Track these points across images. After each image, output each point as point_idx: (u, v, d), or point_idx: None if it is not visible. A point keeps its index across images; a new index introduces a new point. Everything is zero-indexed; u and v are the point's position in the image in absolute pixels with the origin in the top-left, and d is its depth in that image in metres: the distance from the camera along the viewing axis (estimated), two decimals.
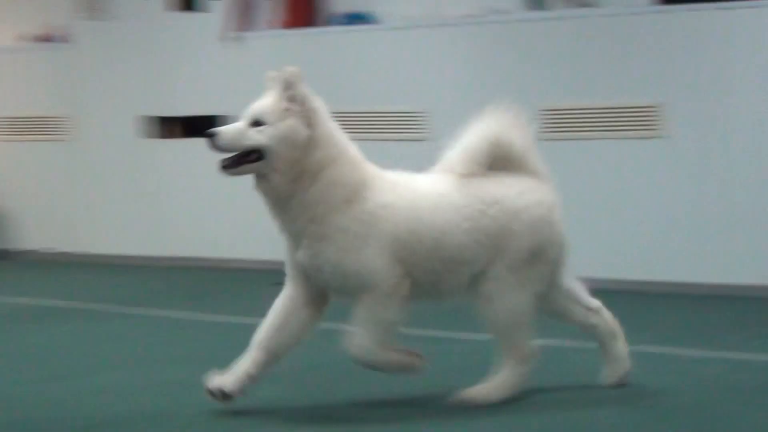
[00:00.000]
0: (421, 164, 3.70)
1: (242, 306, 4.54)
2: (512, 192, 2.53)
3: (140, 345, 3.85)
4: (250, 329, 3.05)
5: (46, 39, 6.38)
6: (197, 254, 5.86)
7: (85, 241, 6.38)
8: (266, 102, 2.49)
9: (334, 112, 2.64)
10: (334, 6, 5.51)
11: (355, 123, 4.70)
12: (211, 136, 2.44)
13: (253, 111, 2.49)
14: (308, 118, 2.45)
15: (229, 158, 2.45)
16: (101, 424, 2.58)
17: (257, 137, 2.43)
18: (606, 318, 2.64)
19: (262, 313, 2.95)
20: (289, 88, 2.44)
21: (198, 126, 5.23)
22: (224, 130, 2.49)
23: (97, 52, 6.12)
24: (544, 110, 4.51)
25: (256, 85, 4.25)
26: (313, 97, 2.48)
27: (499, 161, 2.51)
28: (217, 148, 2.45)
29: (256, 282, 4.98)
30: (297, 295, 2.57)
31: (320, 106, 2.48)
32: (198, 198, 5.59)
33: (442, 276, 2.52)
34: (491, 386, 2.53)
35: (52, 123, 6.41)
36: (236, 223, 5.70)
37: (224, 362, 2.81)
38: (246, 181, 2.68)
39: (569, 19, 4.83)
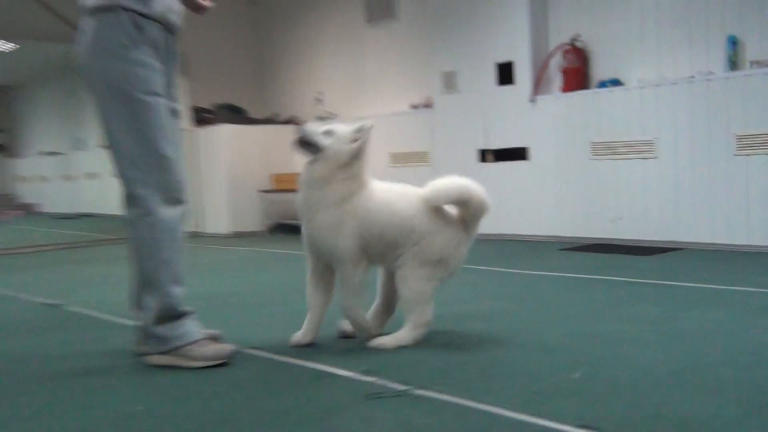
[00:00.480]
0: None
1: (537, 263, 5.61)
2: (443, 218, 3.08)
3: (481, 287, 4.56)
4: (543, 279, 4.55)
5: (426, 105, 7.87)
6: (500, 231, 6.86)
7: None
8: (344, 127, 3.06)
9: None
10: (599, 75, 6.60)
11: (606, 145, 6.32)
12: (300, 125, 3.10)
13: (332, 126, 3.07)
14: (356, 150, 3.01)
15: (301, 139, 3.01)
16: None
17: (321, 139, 3.00)
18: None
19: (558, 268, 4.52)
20: (360, 131, 3.02)
21: (508, 154, 7.07)
22: (309, 126, 3.06)
23: (449, 113, 7.51)
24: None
25: (546, 129, 5.73)
26: (367, 145, 3.04)
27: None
28: (299, 132, 3.01)
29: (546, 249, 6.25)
30: (314, 264, 3.12)
31: (365, 150, 3.03)
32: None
33: (385, 253, 3.03)
34: (394, 337, 3.01)
35: (420, 156, 7.85)
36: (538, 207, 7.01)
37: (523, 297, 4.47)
38: None
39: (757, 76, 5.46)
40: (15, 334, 3.64)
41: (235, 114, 9.25)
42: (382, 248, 3.01)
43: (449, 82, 7.53)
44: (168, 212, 2.82)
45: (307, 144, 3.01)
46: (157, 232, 2.79)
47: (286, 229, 8.72)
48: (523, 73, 6.94)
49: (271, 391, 2.48)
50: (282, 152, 8.79)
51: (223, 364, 2.79)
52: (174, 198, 2.84)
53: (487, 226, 3.32)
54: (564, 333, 3.16)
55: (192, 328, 2.83)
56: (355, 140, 2.99)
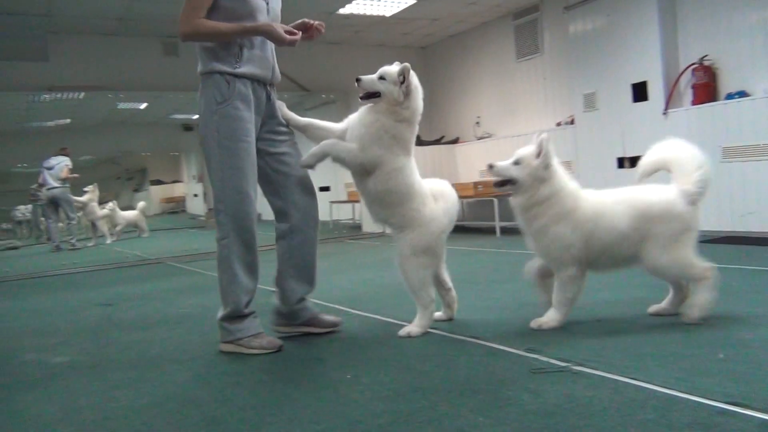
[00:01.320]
0: None
1: None
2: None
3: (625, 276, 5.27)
4: None
5: (569, 122, 7.75)
6: None
7: None
8: (527, 151, 2.88)
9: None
10: (727, 88, 6.20)
11: (736, 150, 5.84)
12: (491, 167, 2.93)
13: (518, 154, 2.90)
14: (545, 170, 2.82)
15: (498, 181, 2.91)
16: None
17: (513, 171, 2.86)
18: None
19: None
20: (540, 146, 2.84)
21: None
22: (499, 164, 2.91)
23: (590, 128, 7.27)
24: None
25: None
26: (554, 159, 2.84)
27: None
28: (494, 173, 2.91)
29: None
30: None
31: (556, 165, 2.85)
32: None
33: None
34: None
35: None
36: None
37: None
38: None
39: None
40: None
41: None
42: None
43: (589, 101, 7.37)
44: (241, 237, 2.83)
45: (504, 182, 2.91)
46: (231, 253, 2.82)
47: (453, 230, 8.74)
48: (656, 91, 6.64)
49: (451, 365, 2.43)
50: (448, 167, 9.03)
51: (276, 352, 2.81)
52: (246, 228, 2.84)
53: None
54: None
55: (251, 325, 2.86)
56: (538, 154, 2.84)
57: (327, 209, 11.17)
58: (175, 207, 24.76)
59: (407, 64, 2.97)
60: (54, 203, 10.61)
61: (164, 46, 8.94)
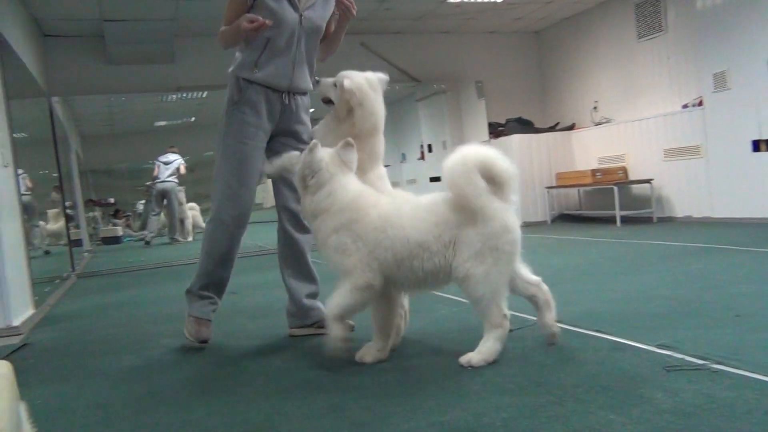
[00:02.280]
0: None
1: None
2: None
3: (755, 270, 4.12)
4: None
5: (697, 104, 7.27)
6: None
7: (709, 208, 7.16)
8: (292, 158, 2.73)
9: None
10: None
11: None
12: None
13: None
14: (311, 179, 2.48)
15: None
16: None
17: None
18: (544, 291, 2.50)
19: None
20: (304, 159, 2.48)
21: None
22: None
23: (720, 110, 6.84)
24: None
25: None
26: (325, 167, 2.44)
27: None
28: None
29: None
30: None
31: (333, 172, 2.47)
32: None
33: None
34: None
35: (692, 150, 7.41)
36: None
37: None
38: None
39: None
40: None
41: (523, 125, 9.26)
42: None
43: (720, 80, 6.90)
44: (218, 229, 3.01)
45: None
46: (206, 236, 3.06)
47: (568, 219, 8.58)
48: None
49: (576, 359, 2.35)
50: (564, 154, 8.81)
51: (201, 343, 3.01)
52: (222, 219, 3.00)
53: (761, 209, 2.88)
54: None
55: (201, 307, 3.06)
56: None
57: None
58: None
59: (342, 78, 2.66)
60: (163, 196, 11.36)
61: None
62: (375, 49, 9.56)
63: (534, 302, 2.53)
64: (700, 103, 7.25)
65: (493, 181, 2.33)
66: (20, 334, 3.84)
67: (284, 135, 3.12)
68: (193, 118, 16.21)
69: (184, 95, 11.40)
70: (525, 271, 2.51)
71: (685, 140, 7.44)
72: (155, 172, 11.68)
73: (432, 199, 2.41)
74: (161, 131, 17.33)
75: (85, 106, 12.36)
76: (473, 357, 2.34)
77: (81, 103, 11.54)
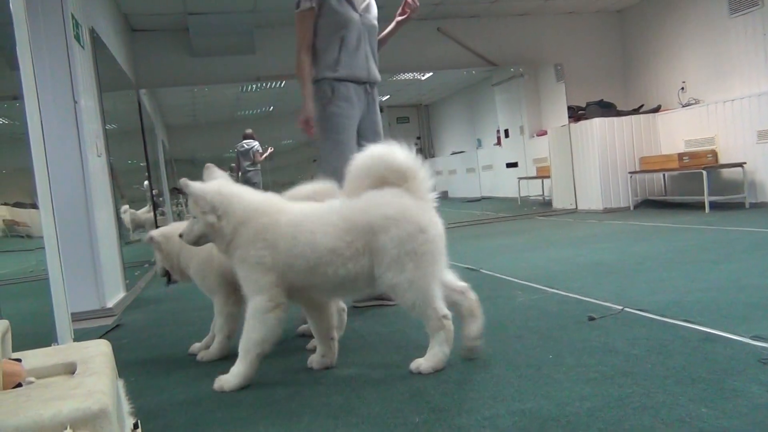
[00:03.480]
0: None
1: None
2: None
3: None
4: None
5: None
6: None
7: None
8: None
9: None
10: None
11: None
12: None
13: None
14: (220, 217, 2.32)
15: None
16: None
17: (195, 230, 2.35)
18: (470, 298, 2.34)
19: None
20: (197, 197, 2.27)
21: None
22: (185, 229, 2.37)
23: None
24: None
25: None
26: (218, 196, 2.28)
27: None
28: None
29: None
30: None
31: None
32: None
33: None
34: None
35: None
36: None
37: None
38: None
39: None
40: None
41: (605, 108, 8.97)
42: None
43: None
44: None
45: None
46: None
47: (652, 205, 8.29)
48: None
49: (664, 350, 2.26)
50: (648, 137, 8.50)
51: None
52: None
53: None
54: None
55: None
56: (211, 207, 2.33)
57: (515, 185, 11.00)
58: None
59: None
60: (246, 185, 11.60)
61: None
62: (451, 33, 9.47)
63: (457, 310, 2.34)
64: None
65: (402, 178, 2.22)
66: (114, 315, 4.06)
67: (363, 126, 3.56)
68: (272, 108, 16.57)
69: (264, 85, 11.65)
70: (450, 276, 2.35)
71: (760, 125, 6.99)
72: (236, 165, 11.96)
73: (344, 204, 2.28)
74: (241, 120, 17.81)
75: (170, 98, 12.85)
76: (422, 364, 2.23)
77: (166, 95, 12.00)
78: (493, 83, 11.86)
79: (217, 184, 2.34)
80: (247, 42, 8.65)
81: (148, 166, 8.23)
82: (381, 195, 2.22)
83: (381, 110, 12.71)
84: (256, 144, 11.64)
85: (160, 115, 13.85)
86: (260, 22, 8.62)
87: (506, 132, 11.88)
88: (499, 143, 12.53)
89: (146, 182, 7.86)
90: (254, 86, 11.96)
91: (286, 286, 2.27)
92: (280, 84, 11.87)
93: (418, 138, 19.43)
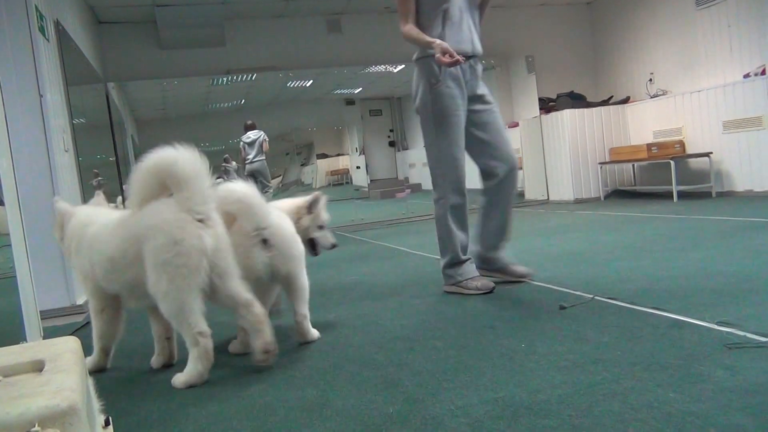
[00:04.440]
0: None
1: None
2: None
3: None
4: None
5: (760, 74, 6.93)
6: None
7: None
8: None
9: None
10: None
11: None
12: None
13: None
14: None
15: None
16: None
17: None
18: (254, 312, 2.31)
19: None
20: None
21: None
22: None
23: None
24: None
25: None
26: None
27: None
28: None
29: None
30: None
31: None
32: None
33: None
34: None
35: (753, 121, 6.96)
36: None
37: None
38: None
39: None
40: (416, 283, 3.86)
41: (575, 100, 9.06)
42: None
43: None
44: (453, 199, 3.31)
45: None
46: (446, 211, 3.33)
47: (622, 195, 8.42)
48: None
49: (633, 337, 2.30)
50: (618, 128, 8.63)
51: (489, 293, 3.22)
52: (459, 189, 3.31)
53: None
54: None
55: (468, 269, 3.33)
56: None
57: None
58: (340, 179, 25.78)
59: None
60: (253, 176, 11.53)
61: (328, 23, 9.25)
62: None
63: (243, 324, 2.38)
64: (763, 72, 6.96)
65: (177, 187, 2.21)
66: (84, 312, 4.00)
67: (471, 102, 3.36)
68: (243, 101, 16.41)
69: (234, 78, 11.53)
70: (238, 288, 2.32)
71: (746, 111, 7.09)
72: (242, 155, 11.85)
73: (129, 214, 2.33)
74: (212, 114, 17.63)
75: (140, 91, 12.64)
76: (178, 379, 2.26)
77: (135, 88, 11.81)
78: None
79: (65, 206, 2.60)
80: (217, 34, 8.56)
81: (118, 161, 8.11)
82: (153, 205, 2.24)
83: (353, 102, 12.59)
84: (262, 134, 11.60)
85: (130, 109, 13.64)
86: (230, 14, 8.52)
87: None
88: None
89: (97, 179, 7.67)
90: (225, 79, 11.84)
91: (102, 291, 2.44)
92: (251, 77, 11.75)
93: (391, 131, 19.45)
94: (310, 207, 2.89)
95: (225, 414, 1.95)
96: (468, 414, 1.73)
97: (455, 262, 3.35)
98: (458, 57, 3.04)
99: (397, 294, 3.55)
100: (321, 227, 2.92)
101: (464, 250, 3.36)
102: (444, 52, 3.05)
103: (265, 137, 11.51)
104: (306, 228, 2.86)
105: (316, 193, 2.93)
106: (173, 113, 16.90)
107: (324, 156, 27.88)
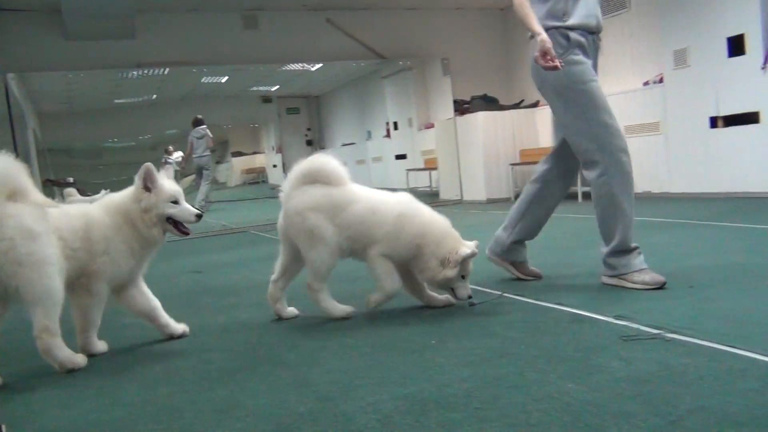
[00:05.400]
0: None
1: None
2: None
3: (715, 242, 4.47)
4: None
5: (657, 81, 7.35)
6: (732, 189, 6.32)
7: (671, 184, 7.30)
8: None
9: None
10: None
11: None
12: None
13: None
14: None
15: None
16: None
17: None
18: None
19: None
20: None
21: (739, 119, 6.27)
22: None
23: (680, 86, 6.85)
24: None
25: None
26: None
27: None
28: None
29: None
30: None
31: None
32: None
33: None
34: None
35: (651, 126, 7.55)
36: None
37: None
38: None
39: None
40: None
41: (488, 103, 9.30)
42: None
43: (680, 58, 6.97)
44: (619, 169, 2.92)
45: None
46: (613, 187, 2.93)
47: None
48: (754, 44, 6.17)
49: (537, 331, 2.40)
50: (528, 131, 8.89)
51: (659, 288, 2.83)
52: (621, 159, 2.93)
53: (717, 184, 2.97)
54: None
55: (636, 260, 2.92)
56: None
57: (404, 177, 11.19)
58: (256, 177, 25.37)
59: None
60: (200, 170, 11.60)
61: (244, 19, 9.09)
62: (341, 25, 9.47)
63: None
64: (661, 80, 7.36)
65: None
66: None
67: None
68: (154, 96, 15.88)
69: (146, 72, 11.15)
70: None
71: (645, 117, 7.46)
72: (190, 149, 11.79)
73: None
74: (122, 109, 16.96)
75: (42, 83, 12.00)
76: None
77: (38, 80, 11.20)
78: (383, 76, 11.99)
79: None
80: (128, 26, 8.23)
81: (17, 156, 7.66)
82: None
83: (270, 100, 12.44)
84: (208, 130, 11.68)
85: (31, 102, 12.90)
86: (142, 5, 8.22)
87: (395, 124, 12.05)
88: (388, 135, 12.70)
89: None
90: (135, 73, 11.43)
91: None
92: (164, 71, 11.40)
93: (309, 129, 19.31)
94: (144, 183, 2.56)
95: (130, 419, 1.89)
96: (378, 410, 1.75)
97: (622, 250, 2.93)
98: (558, 63, 2.84)
99: None
100: (175, 202, 2.60)
101: (631, 238, 2.95)
102: (544, 53, 2.83)
103: (210, 133, 11.56)
104: (154, 208, 2.55)
105: (145, 164, 2.58)
106: (80, 107, 16.13)
107: (239, 154, 27.34)
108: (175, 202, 2.59)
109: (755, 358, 1.90)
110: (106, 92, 14.46)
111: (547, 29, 2.90)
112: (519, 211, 3.29)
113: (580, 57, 2.95)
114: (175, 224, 2.63)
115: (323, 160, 2.85)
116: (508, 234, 3.30)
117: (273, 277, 2.97)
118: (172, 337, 2.76)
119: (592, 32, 3.04)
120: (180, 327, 2.80)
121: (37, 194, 2.32)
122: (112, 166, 17.42)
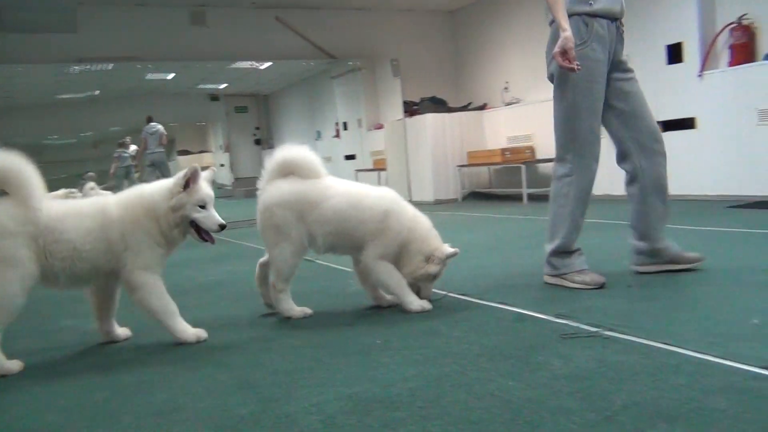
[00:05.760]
0: None
1: (706, 220, 5.25)
2: None
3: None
4: (712, 234, 4.16)
5: None
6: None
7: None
8: None
9: None
10: (766, 49, 5.98)
11: None
12: None
13: None
14: None
15: None
16: None
17: None
18: None
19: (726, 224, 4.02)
20: None
21: (676, 124, 6.52)
22: None
23: None
24: None
25: (714, 100, 5.38)
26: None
27: None
28: None
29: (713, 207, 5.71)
30: None
31: None
32: None
33: None
34: None
35: None
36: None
37: None
38: None
39: None
40: None
41: (437, 104, 9.39)
42: None
43: None
44: (586, 175, 2.97)
45: None
46: (571, 190, 2.98)
47: (479, 197, 8.83)
48: (691, 52, 6.48)
49: (480, 330, 2.43)
50: (475, 133, 9.00)
51: (599, 288, 2.88)
52: (591, 169, 2.98)
53: None
54: (736, 283, 2.84)
55: (576, 261, 2.97)
56: None
57: (353, 177, 11.18)
58: None
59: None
60: (153, 165, 11.34)
61: (192, 15, 8.92)
62: (290, 23, 9.40)
63: None
64: None
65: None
66: None
67: (613, 69, 3.00)
68: (97, 92, 15.45)
69: (88, 67, 10.83)
70: None
71: None
72: (144, 145, 11.55)
73: None
74: (63, 104, 16.44)
75: None
76: None
77: None
78: (332, 76, 11.95)
79: None
80: (69, 19, 7.98)
81: None
82: None
83: (217, 98, 12.31)
84: (161, 127, 11.51)
85: None
86: None
87: (345, 125, 12.03)
88: (338, 135, 12.68)
89: None
90: (77, 68, 11.09)
91: None
92: (107, 66, 11.09)
93: (257, 128, 19.11)
94: (187, 182, 2.46)
95: (65, 425, 1.83)
96: (322, 411, 1.74)
97: (564, 251, 2.98)
98: (575, 65, 2.77)
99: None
100: (203, 207, 2.49)
101: (576, 239, 3.01)
102: (564, 52, 2.77)
103: (163, 130, 11.45)
104: (182, 208, 2.45)
105: (193, 165, 2.52)
106: (19, 101, 15.56)
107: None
108: (203, 207, 2.50)
109: (687, 354, 1.97)
110: (47, 87, 13.99)
111: (571, 15, 2.84)
112: (637, 213, 3.12)
113: (597, 54, 2.88)
114: (198, 230, 2.54)
115: (297, 151, 2.78)
116: (644, 240, 3.11)
117: (261, 260, 2.94)
118: (115, 341, 2.68)
119: (615, 18, 2.96)
120: (123, 332, 2.72)
121: (34, 195, 2.27)
122: (52, 163, 16.86)
